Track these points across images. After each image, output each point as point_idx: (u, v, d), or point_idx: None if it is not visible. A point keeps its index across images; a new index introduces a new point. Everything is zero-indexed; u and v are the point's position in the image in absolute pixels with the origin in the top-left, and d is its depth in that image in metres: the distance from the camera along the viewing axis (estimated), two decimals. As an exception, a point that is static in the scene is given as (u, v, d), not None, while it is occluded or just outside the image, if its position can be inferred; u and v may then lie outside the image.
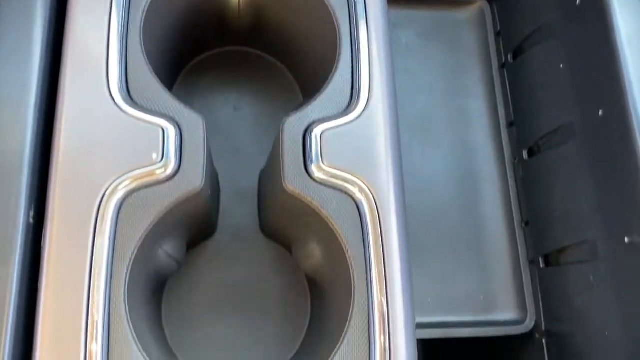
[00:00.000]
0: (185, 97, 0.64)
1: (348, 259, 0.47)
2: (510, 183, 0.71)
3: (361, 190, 0.48)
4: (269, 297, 0.60)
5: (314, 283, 0.59)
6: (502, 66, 0.75)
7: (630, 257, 0.52)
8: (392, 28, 0.68)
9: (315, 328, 0.57)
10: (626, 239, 0.53)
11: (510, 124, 0.73)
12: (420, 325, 0.61)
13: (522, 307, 0.66)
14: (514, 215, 0.70)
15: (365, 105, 0.50)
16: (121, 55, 0.48)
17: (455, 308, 0.66)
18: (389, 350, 0.45)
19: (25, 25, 0.47)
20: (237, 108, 0.66)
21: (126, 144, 0.46)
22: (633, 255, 0.52)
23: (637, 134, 0.52)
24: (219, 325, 0.59)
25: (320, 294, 0.57)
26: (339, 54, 0.52)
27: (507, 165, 0.71)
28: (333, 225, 0.48)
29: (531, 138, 0.68)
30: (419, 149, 0.71)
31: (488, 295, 0.67)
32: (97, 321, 0.42)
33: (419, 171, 0.70)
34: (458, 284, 0.67)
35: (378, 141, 0.49)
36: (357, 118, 0.49)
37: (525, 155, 0.69)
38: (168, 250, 0.51)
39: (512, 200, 0.70)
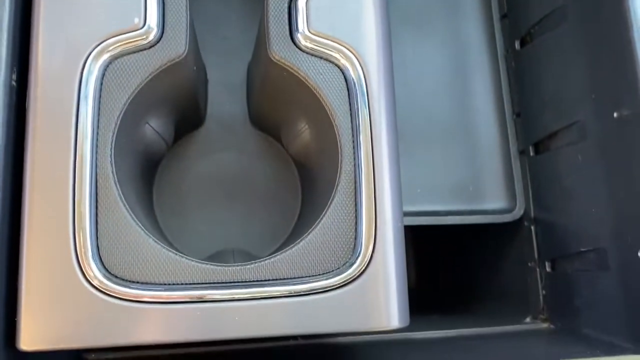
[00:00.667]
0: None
1: (335, 129, 0.47)
2: (502, 75, 0.70)
3: (348, 58, 0.47)
4: (260, 185, 0.60)
5: (304, 168, 0.59)
6: (496, -44, 0.73)
7: (617, 132, 0.53)
8: None
9: (306, 211, 0.58)
10: (615, 114, 0.53)
11: (503, 16, 0.71)
12: (408, 214, 0.61)
13: (512, 196, 0.67)
14: (505, 107, 0.69)
15: (353, -28, 0.49)
16: None
17: (445, 198, 0.66)
18: (374, 214, 0.45)
19: None
20: (225, -4, 0.65)
21: (107, 8, 0.44)
22: (620, 129, 0.52)
23: (631, 6, 0.51)
24: (211, 213, 0.59)
25: (310, 178, 0.57)
26: None
27: (499, 57, 0.70)
28: (320, 94, 0.47)
29: (524, 27, 0.67)
30: (410, 40, 0.70)
31: (478, 186, 0.67)
32: (84, 181, 0.42)
33: (410, 63, 0.69)
34: (448, 175, 0.67)
35: (366, 9, 0.48)
36: (344, -15, 0.48)
37: (517, 45, 0.68)
38: (155, 127, 0.51)
39: (503, 92, 0.69)
